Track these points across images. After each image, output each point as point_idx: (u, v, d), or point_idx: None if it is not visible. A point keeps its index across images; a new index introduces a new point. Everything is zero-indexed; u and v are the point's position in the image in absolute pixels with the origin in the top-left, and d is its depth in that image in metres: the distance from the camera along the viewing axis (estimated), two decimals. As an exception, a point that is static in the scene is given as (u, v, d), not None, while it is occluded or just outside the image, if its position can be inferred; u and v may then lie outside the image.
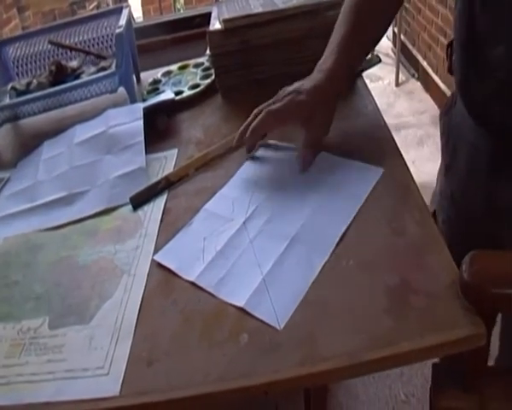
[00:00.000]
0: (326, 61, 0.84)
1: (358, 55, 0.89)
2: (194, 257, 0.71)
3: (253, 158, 0.87)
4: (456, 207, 0.92)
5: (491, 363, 0.67)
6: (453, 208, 0.93)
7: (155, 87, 1.20)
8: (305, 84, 0.82)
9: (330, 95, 0.83)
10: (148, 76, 1.27)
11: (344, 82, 0.86)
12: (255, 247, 0.70)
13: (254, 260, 0.68)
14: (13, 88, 1.20)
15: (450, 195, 0.94)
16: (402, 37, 3.70)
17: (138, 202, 0.84)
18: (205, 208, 0.79)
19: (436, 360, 0.60)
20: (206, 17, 1.20)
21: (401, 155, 0.78)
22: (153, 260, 0.72)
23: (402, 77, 3.64)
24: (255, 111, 0.85)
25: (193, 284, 0.66)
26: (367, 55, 0.93)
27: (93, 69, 1.20)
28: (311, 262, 0.65)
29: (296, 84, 0.83)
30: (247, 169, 0.86)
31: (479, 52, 0.75)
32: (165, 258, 0.73)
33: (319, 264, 0.64)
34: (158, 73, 1.25)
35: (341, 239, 0.67)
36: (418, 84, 3.54)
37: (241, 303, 0.62)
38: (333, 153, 0.82)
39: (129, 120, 0.99)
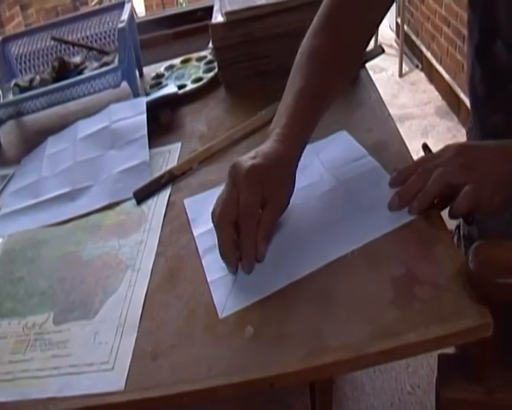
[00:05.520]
0: (279, 123, 0.72)
1: (313, 122, 0.74)
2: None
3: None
4: (479, 228, 0.92)
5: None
6: (476, 228, 0.93)
7: (158, 81, 1.20)
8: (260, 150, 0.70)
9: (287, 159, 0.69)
10: (150, 70, 1.26)
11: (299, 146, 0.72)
12: None
13: None
14: (16, 85, 1.20)
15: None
16: (405, 27, 3.67)
17: (142, 196, 0.84)
18: None
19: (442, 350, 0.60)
20: (209, 10, 1.19)
21: (405, 145, 0.77)
22: (157, 255, 0.72)
23: (405, 68, 3.61)
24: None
25: (196, 278, 0.66)
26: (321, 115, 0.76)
27: (96, 64, 1.20)
28: (280, 276, 0.62)
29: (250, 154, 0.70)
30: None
31: (481, 117, 0.81)
32: (190, 205, 0.78)
33: (281, 283, 0.62)
34: (161, 67, 1.25)
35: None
36: (422, 74, 3.52)
37: (210, 278, 0.65)
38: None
39: (132, 115, 0.99)
